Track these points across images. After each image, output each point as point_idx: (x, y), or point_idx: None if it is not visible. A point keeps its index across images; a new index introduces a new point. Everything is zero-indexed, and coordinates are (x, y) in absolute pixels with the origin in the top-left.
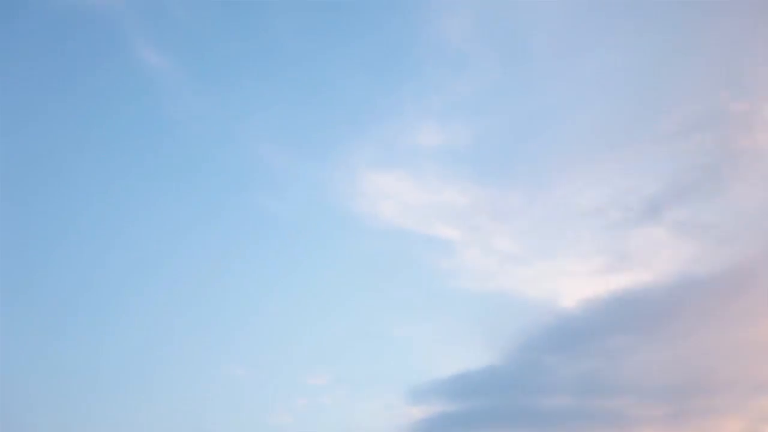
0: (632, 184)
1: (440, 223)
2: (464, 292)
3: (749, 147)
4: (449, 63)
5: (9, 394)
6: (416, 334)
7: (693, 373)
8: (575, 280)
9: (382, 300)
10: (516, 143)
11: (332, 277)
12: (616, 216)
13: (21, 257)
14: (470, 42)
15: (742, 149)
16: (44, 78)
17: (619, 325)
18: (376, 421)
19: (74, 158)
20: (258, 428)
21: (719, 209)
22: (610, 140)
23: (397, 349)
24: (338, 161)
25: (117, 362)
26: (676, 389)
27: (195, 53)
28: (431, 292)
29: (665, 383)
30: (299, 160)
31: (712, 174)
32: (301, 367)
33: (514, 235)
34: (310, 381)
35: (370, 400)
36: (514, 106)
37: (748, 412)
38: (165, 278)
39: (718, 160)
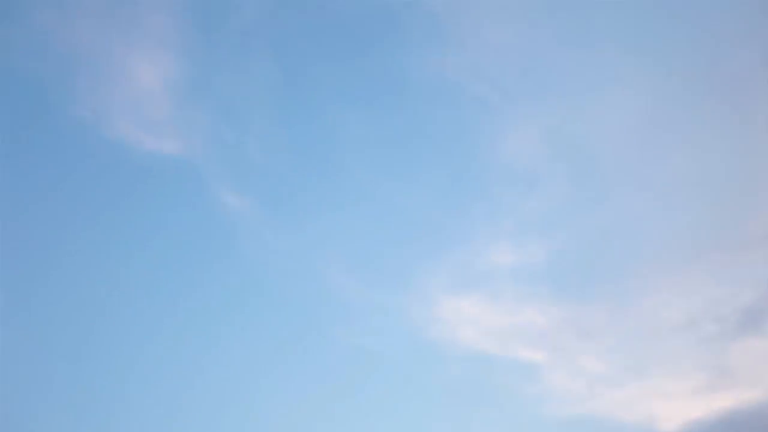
0: (725, 293)
1: (522, 346)
2: (552, 419)
3: None
4: (518, 181)
5: None
6: None
7: None
8: (673, 401)
9: (466, 430)
10: (594, 258)
11: (414, 407)
12: (712, 328)
13: (98, 398)
14: (538, 159)
15: None
16: (125, 223)
17: None
18: None
19: (152, 297)
20: None
21: None
22: (695, 247)
23: None
24: (414, 288)
25: None
26: None
27: (272, 193)
28: (517, 419)
29: None
30: (375, 289)
31: None
32: None
33: (602, 354)
34: None
35: None
36: (588, 221)
37: None
38: (251, 418)
39: None
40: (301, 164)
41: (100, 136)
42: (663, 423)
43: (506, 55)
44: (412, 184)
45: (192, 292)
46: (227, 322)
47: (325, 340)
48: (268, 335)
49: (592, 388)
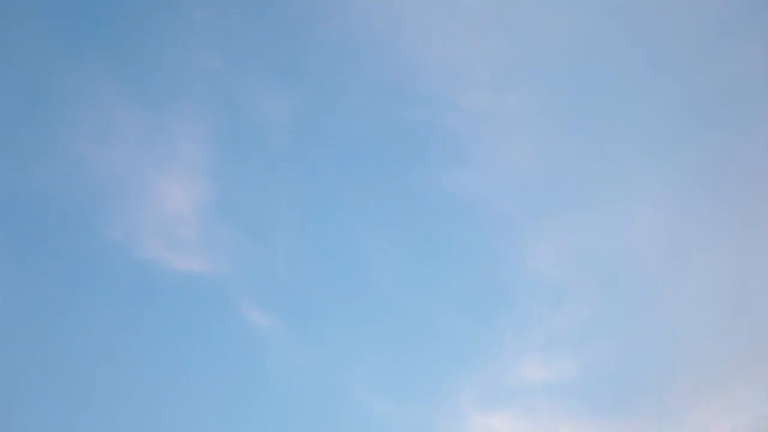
0: None
1: None
2: None
3: None
4: (546, 294)
5: None
6: None
7: None
8: None
9: None
10: (631, 371)
11: None
12: None
13: None
14: (565, 271)
15: None
16: (153, 340)
17: None
18: None
19: (180, 416)
20: None
21: None
22: (741, 359)
23: None
24: (441, 404)
25: None
26: None
27: (297, 310)
28: None
29: None
30: (402, 406)
31: None
32: None
33: None
34: None
35: None
36: (623, 333)
37: None
38: None
39: None
40: (326, 281)
41: (130, 257)
42: None
43: (527, 170)
44: (438, 299)
45: (219, 409)
46: None
47: None
48: None
49: None
